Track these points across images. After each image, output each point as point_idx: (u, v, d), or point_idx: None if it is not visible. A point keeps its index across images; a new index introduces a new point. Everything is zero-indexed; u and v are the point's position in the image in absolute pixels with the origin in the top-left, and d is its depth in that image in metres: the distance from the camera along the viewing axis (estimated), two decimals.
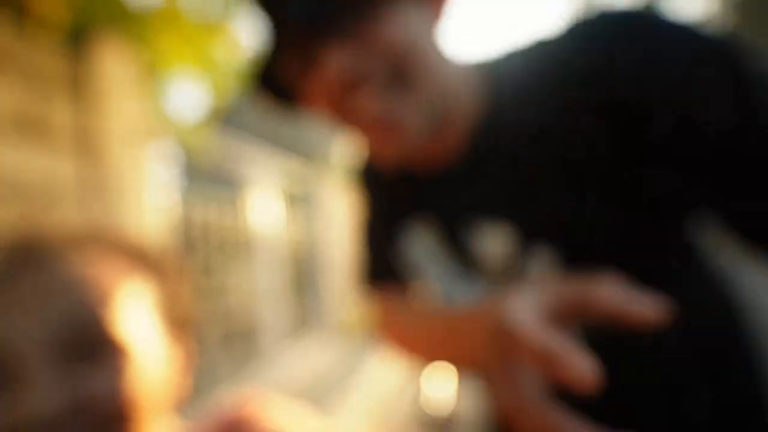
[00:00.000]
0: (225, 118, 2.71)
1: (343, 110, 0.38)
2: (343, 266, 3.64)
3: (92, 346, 0.33)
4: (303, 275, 3.22)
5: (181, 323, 0.40)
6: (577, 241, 0.41)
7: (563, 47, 0.39)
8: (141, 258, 0.40)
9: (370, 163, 0.53)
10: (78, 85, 1.14)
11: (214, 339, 2.09)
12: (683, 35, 0.36)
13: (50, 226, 0.39)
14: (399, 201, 0.51)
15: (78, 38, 1.13)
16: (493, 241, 0.45)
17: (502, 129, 0.41)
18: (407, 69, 0.36)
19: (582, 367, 0.23)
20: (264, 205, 2.59)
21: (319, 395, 2.29)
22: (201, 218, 2.07)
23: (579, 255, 0.41)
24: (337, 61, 0.35)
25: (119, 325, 0.33)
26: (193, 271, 1.96)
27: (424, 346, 0.47)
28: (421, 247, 0.49)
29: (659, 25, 0.37)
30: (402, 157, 0.41)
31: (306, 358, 2.81)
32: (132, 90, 1.27)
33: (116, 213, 1.21)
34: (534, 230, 0.42)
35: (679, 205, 0.40)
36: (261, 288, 2.55)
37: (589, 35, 0.39)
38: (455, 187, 0.45)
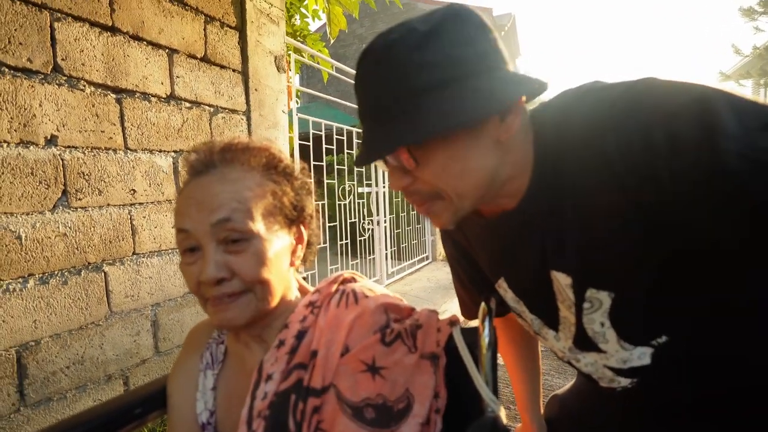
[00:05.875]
0: None
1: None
2: None
3: (237, 237, 0.51)
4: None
5: (297, 216, 0.58)
6: (630, 287, 0.47)
7: (605, 117, 0.44)
8: (275, 166, 0.57)
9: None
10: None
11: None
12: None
13: (222, 140, 0.58)
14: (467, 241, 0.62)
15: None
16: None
17: (552, 187, 0.48)
18: (444, 191, 0.47)
19: None
20: None
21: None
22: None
23: (632, 299, 0.47)
24: (398, 180, 0.48)
25: (252, 224, 0.51)
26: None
27: None
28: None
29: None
30: (447, 224, 0.51)
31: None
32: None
33: (267, 126, 1.84)
34: (589, 278, 0.48)
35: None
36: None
37: (626, 109, 0.43)
38: (508, 232, 0.53)
